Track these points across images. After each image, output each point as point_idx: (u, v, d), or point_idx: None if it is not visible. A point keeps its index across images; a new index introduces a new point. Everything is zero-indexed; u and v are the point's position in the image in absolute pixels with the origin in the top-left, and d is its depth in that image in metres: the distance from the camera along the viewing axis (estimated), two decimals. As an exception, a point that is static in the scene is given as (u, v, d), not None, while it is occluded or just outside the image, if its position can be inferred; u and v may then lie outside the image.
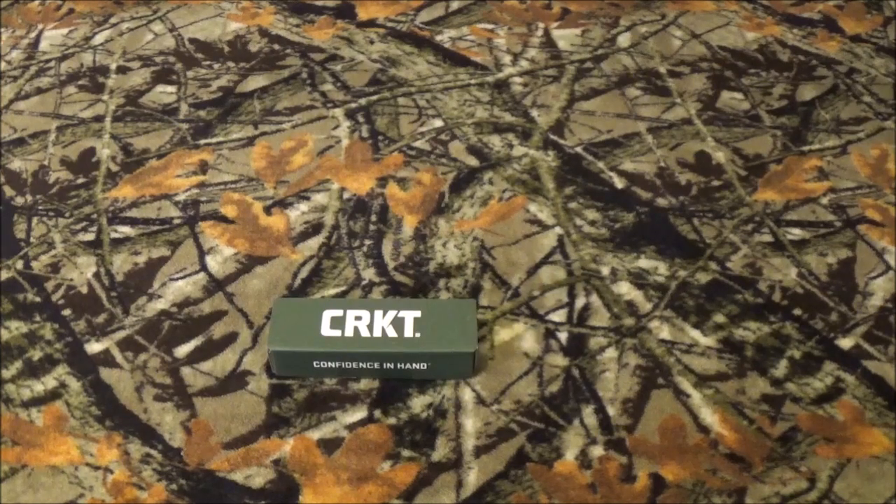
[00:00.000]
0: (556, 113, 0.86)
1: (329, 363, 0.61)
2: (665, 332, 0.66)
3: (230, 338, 0.66)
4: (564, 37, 0.96)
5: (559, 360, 0.64)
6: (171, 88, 0.88)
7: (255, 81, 0.89)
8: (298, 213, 0.75)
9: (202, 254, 0.72)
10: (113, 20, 0.98)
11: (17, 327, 0.66)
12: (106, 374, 0.63)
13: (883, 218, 0.75)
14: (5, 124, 0.84)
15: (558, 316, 0.67)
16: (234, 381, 0.63)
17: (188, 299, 0.68)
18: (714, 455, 0.59)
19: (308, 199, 0.76)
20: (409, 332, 0.60)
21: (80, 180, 0.78)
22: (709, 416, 0.61)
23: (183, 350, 0.65)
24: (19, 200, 0.76)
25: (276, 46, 0.94)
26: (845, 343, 0.66)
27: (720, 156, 0.81)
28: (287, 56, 0.93)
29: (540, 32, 0.97)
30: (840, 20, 1.00)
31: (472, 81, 0.89)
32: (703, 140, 0.83)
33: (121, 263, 0.71)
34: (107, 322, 0.66)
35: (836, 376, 0.63)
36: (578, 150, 0.82)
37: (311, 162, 0.80)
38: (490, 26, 0.97)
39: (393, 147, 0.82)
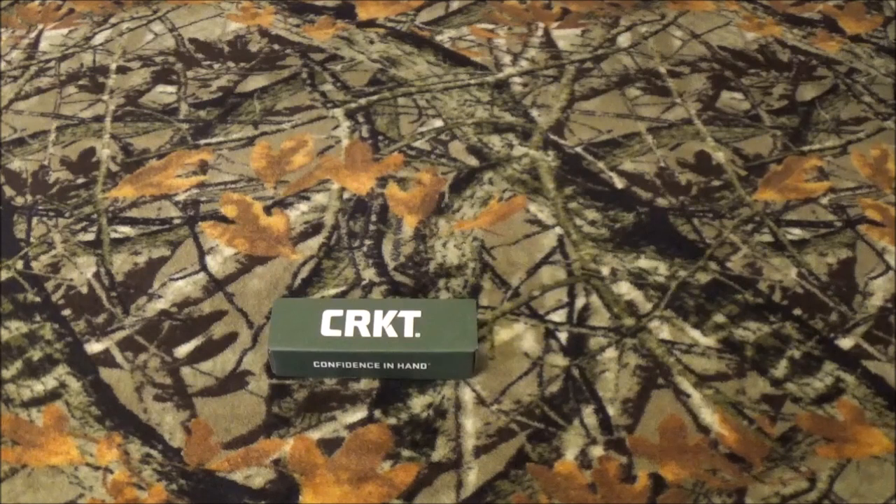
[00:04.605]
0: (556, 113, 0.86)
1: (329, 363, 0.61)
2: (665, 332, 0.66)
3: (230, 338, 0.66)
4: (564, 37, 0.96)
5: (559, 360, 0.64)
6: (171, 88, 0.88)
7: (255, 81, 0.89)
8: (298, 213, 0.75)
9: (202, 254, 0.72)
10: (113, 20, 0.98)
11: (17, 327, 0.66)
12: (106, 374, 0.63)
13: (883, 218, 0.75)
14: (5, 124, 0.84)
15: (558, 316, 0.67)
16: (234, 381, 0.63)
17: (188, 299, 0.68)
18: (714, 455, 0.59)
19: (308, 199, 0.76)
20: (409, 332, 0.60)
21: (80, 180, 0.78)
22: (709, 416, 0.61)
23: (183, 350, 0.65)
24: (19, 200, 0.76)
25: (276, 46, 0.94)
26: (845, 343, 0.66)
27: (720, 156, 0.81)
28: (287, 56, 0.93)
29: (540, 32, 0.97)
30: (840, 20, 1.00)
31: (472, 81, 0.89)
32: (703, 140, 0.83)
33: (121, 263, 0.71)
34: (107, 322, 0.66)
35: (836, 376, 0.63)
36: (578, 150, 0.82)
37: (311, 162, 0.80)
38: (490, 26, 0.97)
39: (393, 147, 0.82)
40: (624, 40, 0.96)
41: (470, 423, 0.60)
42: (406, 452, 0.59)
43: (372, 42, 0.95)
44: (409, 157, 0.81)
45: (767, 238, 0.73)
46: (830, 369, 0.64)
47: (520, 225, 0.74)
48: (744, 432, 0.60)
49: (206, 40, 0.95)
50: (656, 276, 0.70)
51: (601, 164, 0.80)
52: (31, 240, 0.73)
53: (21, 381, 0.62)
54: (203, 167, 0.79)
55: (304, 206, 0.76)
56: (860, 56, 0.94)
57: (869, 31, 0.98)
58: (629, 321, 0.67)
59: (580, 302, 0.68)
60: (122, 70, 0.91)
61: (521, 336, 0.66)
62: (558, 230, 0.74)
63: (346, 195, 0.77)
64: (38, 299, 0.68)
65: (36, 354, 0.64)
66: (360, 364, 0.61)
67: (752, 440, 0.60)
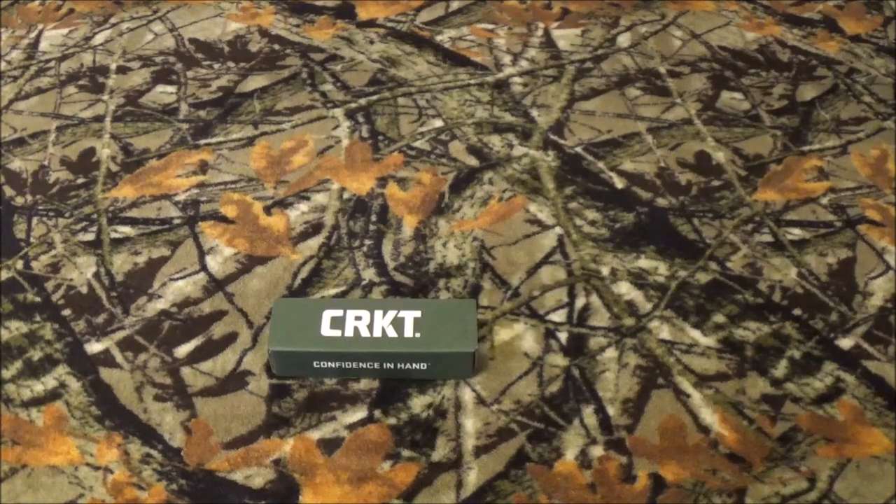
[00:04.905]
0: (556, 113, 0.86)
1: (329, 363, 0.61)
2: (665, 332, 0.66)
3: (230, 338, 0.66)
4: (564, 37, 0.96)
5: (559, 360, 0.64)
6: (171, 88, 0.88)
7: (255, 81, 0.89)
8: (298, 213, 0.75)
9: (202, 254, 0.72)
10: (113, 20, 0.98)
11: (17, 327, 0.66)
12: (106, 374, 0.63)
13: (883, 218, 0.75)
14: (5, 124, 0.84)
15: (558, 316, 0.67)
16: (234, 381, 0.63)
17: (188, 299, 0.68)
18: (714, 455, 0.59)
19: (308, 199, 0.76)
20: (409, 332, 0.60)
21: (80, 180, 0.78)
22: (709, 416, 0.61)
23: (183, 350, 0.65)
24: (19, 200, 0.76)
25: (276, 46, 0.94)
26: (845, 343, 0.66)
27: (720, 156, 0.81)
28: (287, 56, 0.93)
29: (540, 32, 0.97)
30: (840, 20, 1.00)
31: (472, 81, 0.89)
32: (703, 140, 0.83)
33: (121, 263, 0.71)
34: (107, 322, 0.66)
35: (836, 376, 0.63)
36: (578, 150, 0.82)
37: (311, 162, 0.80)
38: (490, 26, 0.97)
39: (393, 147, 0.82)
40: (624, 40, 0.96)
41: (470, 423, 0.60)
42: (406, 452, 0.59)
43: (372, 42, 0.95)
44: (409, 157, 0.81)
45: (767, 238, 0.73)
46: (830, 369, 0.64)
47: (520, 225, 0.74)
48: (744, 432, 0.60)
49: (206, 40, 0.95)
50: (656, 276, 0.70)
51: (601, 164, 0.80)
52: (31, 240, 0.73)
53: (21, 381, 0.62)
54: (203, 167, 0.79)
55: (304, 206, 0.76)
56: (860, 56, 0.94)
57: (869, 31, 0.98)
58: (629, 321, 0.67)
59: (580, 302, 0.68)
60: (122, 70, 0.91)
61: (521, 336, 0.66)
62: (558, 230, 0.74)
63: (346, 195, 0.77)
64: (38, 299, 0.68)
65: (36, 354, 0.64)
66: (360, 364, 0.61)
67: (752, 440, 0.60)
